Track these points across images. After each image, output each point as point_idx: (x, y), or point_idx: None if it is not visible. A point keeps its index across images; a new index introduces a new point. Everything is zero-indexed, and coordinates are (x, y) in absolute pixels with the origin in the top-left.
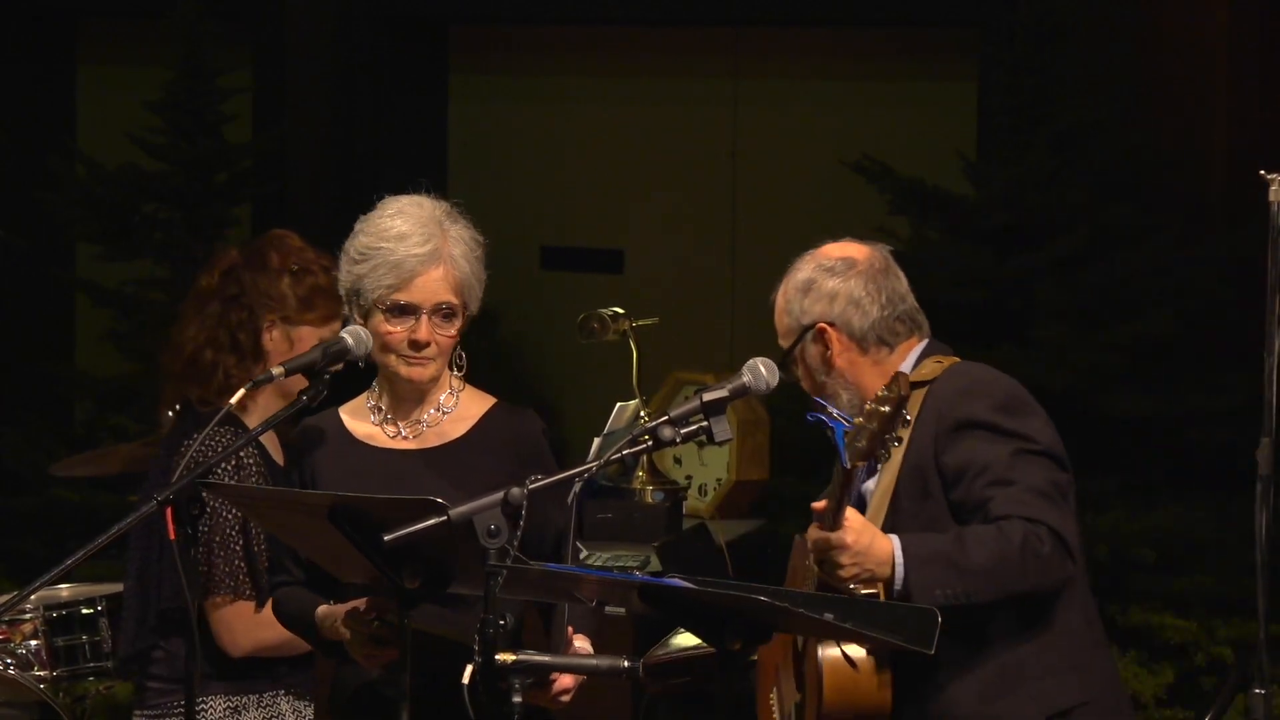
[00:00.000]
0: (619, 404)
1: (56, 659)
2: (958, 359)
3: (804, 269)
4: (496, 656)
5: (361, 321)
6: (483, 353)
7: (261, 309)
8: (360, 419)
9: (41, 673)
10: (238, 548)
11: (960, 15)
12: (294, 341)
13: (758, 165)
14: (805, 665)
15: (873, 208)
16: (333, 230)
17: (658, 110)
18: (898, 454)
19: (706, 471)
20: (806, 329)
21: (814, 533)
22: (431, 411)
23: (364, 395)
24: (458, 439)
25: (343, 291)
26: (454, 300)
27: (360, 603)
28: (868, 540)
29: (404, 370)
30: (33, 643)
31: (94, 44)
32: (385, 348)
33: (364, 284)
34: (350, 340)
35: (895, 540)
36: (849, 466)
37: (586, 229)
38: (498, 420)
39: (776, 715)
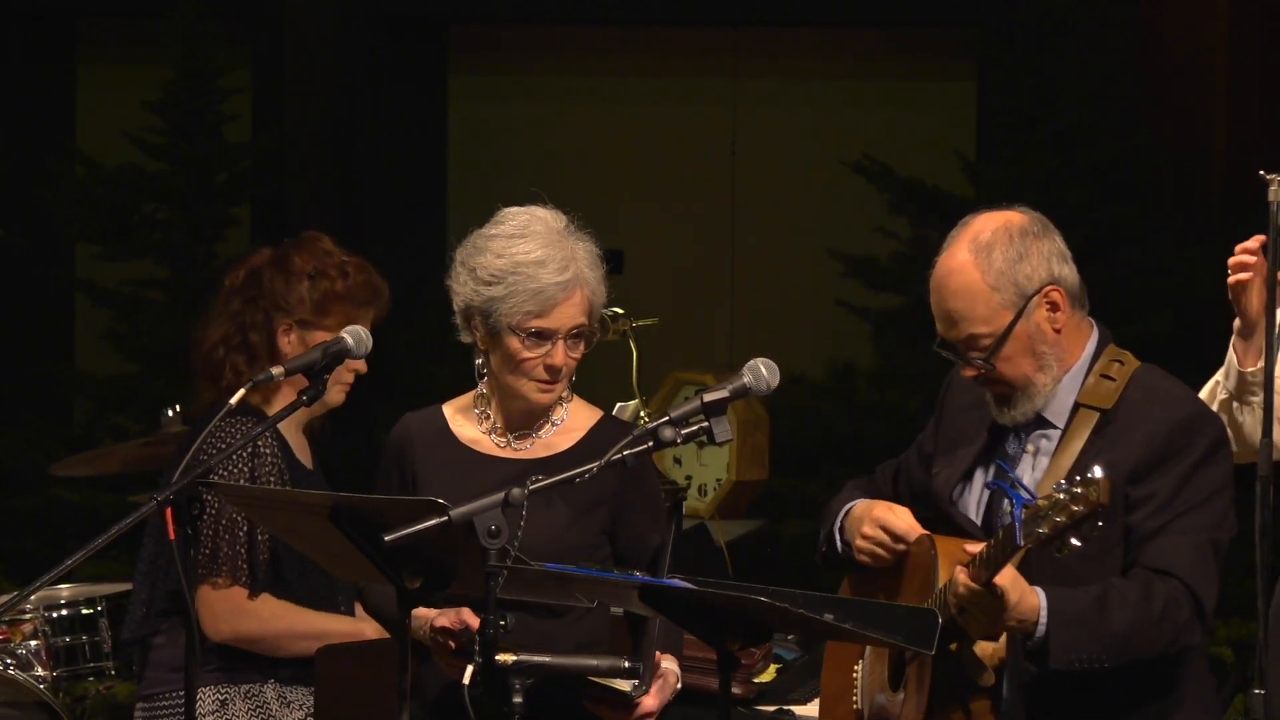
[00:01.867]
0: (619, 404)
1: (56, 659)
2: (1131, 363)
3: (999, 239)
4: (497, 657)
5: (484, 339)
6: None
7: (277, 311)
8: (467, 422)
9: (41, 673)
10: (242, 534)
11: (960, 15)
12: (309, 346)
13: (757, 165)
14: (909, 672)
15: (872, 207)
16: (332, 230)
17: (658, 110)
18: (1064, 464)
19: (706, 472)
20: (1033, 295)
21: (966, 581)
22: (542, 423)
23: (470, 396)
24: (565, 450)
25: (461, 307)
26: (586, 323)
27: (448, 616)
28: (1016, 597)
29: (535, 395)
30: (33, 643)
31: (94, 44)
32: (518, 371)
33: (498, 307)
34: (350, 340)
35: (1042, 596)
36: (1022, 545)
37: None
38: (605, 433)
39: (856, 696)
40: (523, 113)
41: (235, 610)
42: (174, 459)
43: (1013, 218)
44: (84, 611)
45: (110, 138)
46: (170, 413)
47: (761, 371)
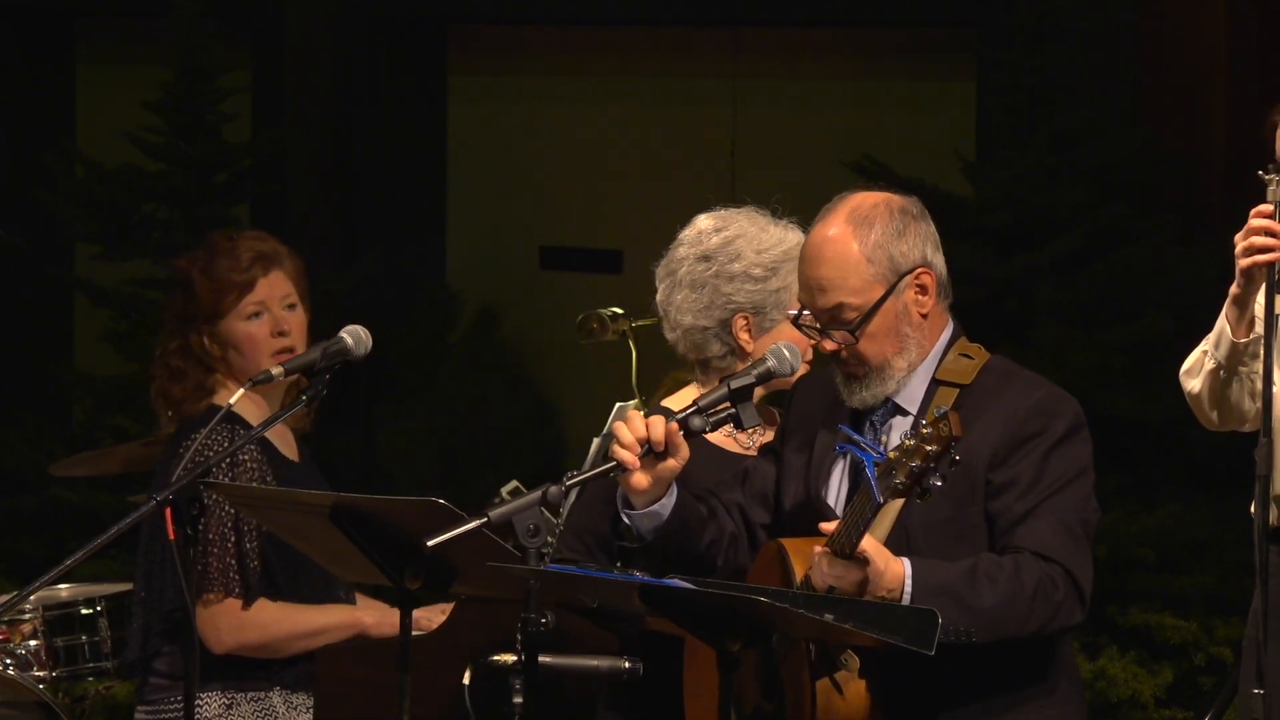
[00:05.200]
0: (618, 404)
1: (56, 659)
2: (986, 353)
3: (879, 214)
4: (495, 657)
5: (750, 339)
6: (483, 352)
7: (190, 324)
8: None
9: (41, 673)
10: (230, 545)
11: (959, 15)
12: (223, 337)
13: (757, 165)
14: (785, 675)
15: None
16: (332, 229)
17: (657, 110)
18: None
19: None
20: (906, 274)
21: (830, 562)
22: (768, 417)
23: (688, 398)
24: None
25: (725, 316)
26: None
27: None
28: (883, 564)
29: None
30: (32, 643)
31: (93, 44)
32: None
33: (783, 296)
34: (349, 340)
35: (907, 565)
36: (882, 502)
37: (585, 229)
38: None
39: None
40: (522, 112)
41: (234, 623)
42: (159, 464)
43: (892, 198)
44: (83, 611)
45: (110, 138)
46: (170, 413)
47: (784, 354)
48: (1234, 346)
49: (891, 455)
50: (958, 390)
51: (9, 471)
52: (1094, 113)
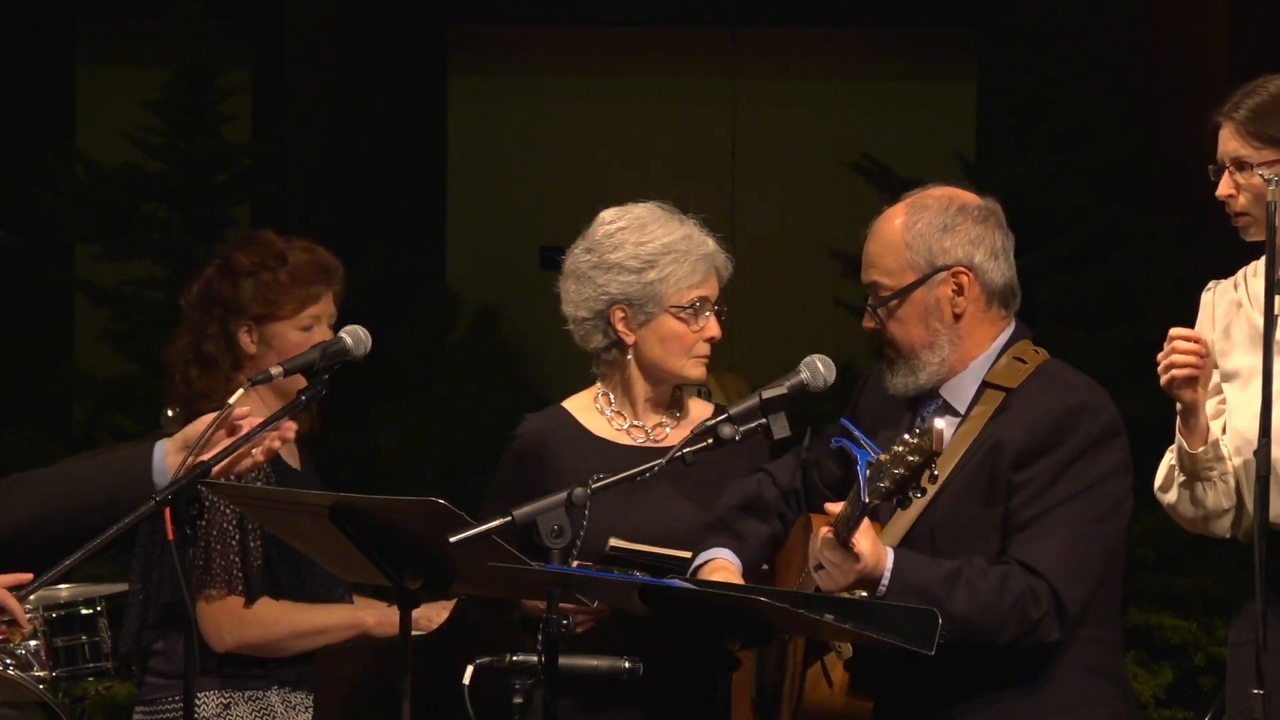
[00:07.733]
0: None
1: (56, 659)
2: (1045, 355)
3: (936, 206)
4: (515, 658)
5: (628, 332)
6: (483, 352)
7: (232, 315)
8: (594, 417)
9: (41, 673)
10: (234, 543)
11: (959, 16)
12: (270, 339)
13: (756, 165)
14: (789, 651)
15: (871, 207)
16: (332, 229)
17: (657, 110)
18: (960, 446)
19: None
20: (940, 269)
21: (827, 545)
22: (674, 413)
23: (588, 395)
24: None
25: (601, 307)
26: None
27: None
28: (872, 561)
29: (694, 372)
30: (32, 643)
31: (93, 44)
32: (678, 350)
33: (658, 289)
34: (349, 340)
35: (892, 556)
36: (867, 503)
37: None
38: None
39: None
40: (522, 112)
41: (235, 621)
42: None
43: (963, 195)
44: (83, 612)
45: (110, 138)
46: (170, 413)
47: (818, 367)
48: (1192, 459)
49: (882, 459)
50: (1004, 394)
51: (9, 471)
52: (1094, 113)
